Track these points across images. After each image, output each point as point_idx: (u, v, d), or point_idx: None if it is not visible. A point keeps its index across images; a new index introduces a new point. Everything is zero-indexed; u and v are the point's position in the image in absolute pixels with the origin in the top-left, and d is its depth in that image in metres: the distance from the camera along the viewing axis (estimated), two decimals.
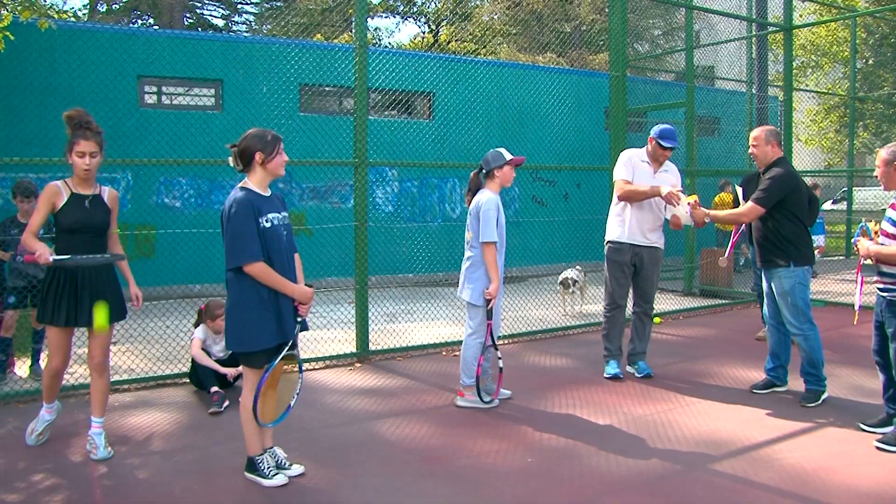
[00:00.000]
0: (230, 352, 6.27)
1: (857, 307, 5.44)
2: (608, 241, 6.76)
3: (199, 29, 24.55)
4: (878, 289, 4.96)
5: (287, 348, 4.25)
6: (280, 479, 4.31)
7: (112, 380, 6.28)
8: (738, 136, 15.65)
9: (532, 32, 24.32)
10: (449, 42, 29.30)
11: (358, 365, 7.23)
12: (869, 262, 4.88)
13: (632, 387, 6.40)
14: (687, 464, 4.61)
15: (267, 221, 4.16)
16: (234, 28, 27.25)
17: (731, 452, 4.80)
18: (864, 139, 23.75)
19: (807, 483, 4.28)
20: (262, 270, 4.10)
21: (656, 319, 9.27)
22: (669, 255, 13.51)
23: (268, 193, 4.29)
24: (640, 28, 23.34)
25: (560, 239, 13.45)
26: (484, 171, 5.86)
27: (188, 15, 24.01)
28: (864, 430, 5.14)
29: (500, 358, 5.88)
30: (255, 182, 4.25)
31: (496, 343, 5.88)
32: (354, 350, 7.39)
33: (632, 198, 6.51)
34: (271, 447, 4.49)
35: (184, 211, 11.42)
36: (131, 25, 22.40)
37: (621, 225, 6.65)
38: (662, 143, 6.49)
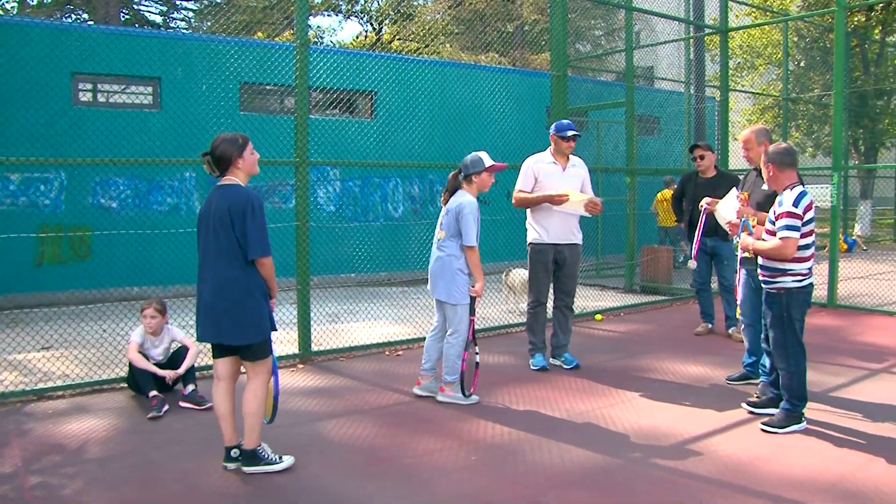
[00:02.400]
0: (169, 354, 6.19)
1: (738, 300, 5.84)
2: (530, 243, 6.96)
3: (136, 25, 24.04)
4: (761, 282, 5.25)
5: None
6: (289, 460, 4.49)
7: (45, 386, 6.18)
8: (677, 135, 15.94)
9: (475, 32, 24.41)
10: (391, 41, 29.24)
11: (301, 366, 7.16)
12: (747, 254, 5.25)
13: (574, 383, 6.46)
14: (628, 458, 4.68)
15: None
16: (173, 25, 26.75)
17: (671, 446, 4.89)
18: (796, 139, 24.38)
19: (742, 473, 4.39)
20: (272, 264, 4.41)
21: (597, 316, 9.40)
22: (611, 252, 13.79)
23: None
24: (582, 28, 23.59)
25: (503, 237, 13.50)
26: (462, 174, 5.92)
27: (124, 11, 23.47)
28: (749, 411, 5.50)
29: (477, 353, 6.00)
30: (242, 181, 4.44)
31: (475, 339, 6.01)
32: (297, 351, 7.32)
33: (524, 205, 6.89)
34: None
35: (121, 212, 11.16)
36: (64, 20, 21.82)
37: (541, 227, 6.85)
38: (562, 134, 6.77)
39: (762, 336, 5.47)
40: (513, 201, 6.95)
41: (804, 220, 4.92)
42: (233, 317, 4.29)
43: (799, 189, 4.99)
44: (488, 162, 5.89)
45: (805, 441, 4.94)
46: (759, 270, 5.23)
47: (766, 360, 5.85)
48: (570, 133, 6.76)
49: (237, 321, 4.30)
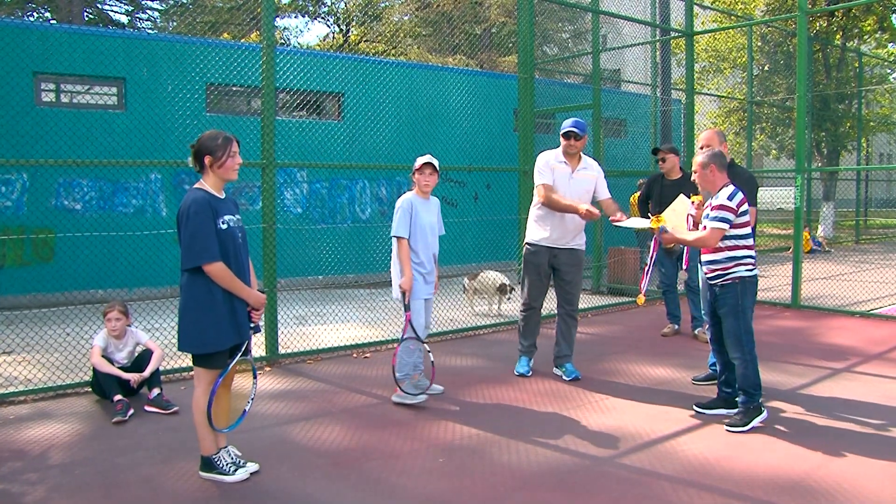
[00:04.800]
0: (134, 358, 6.12)
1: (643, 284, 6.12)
2: (526, 243, 6.78)
3: (101, 25, 23.72)
4: (708, 278, 5.45)
5: (241, 353, 4.33)
6: (242, 475, 4.36)
7: (7, 391, 6.08)
8: (644, 138, 16.07)
9: (442, 34, 24.43)
10: (359, 42, 29.15)
11: (268, 369, 7.12)
12: (671, 247, 5.41)
13: (541, 385, 6.49)
14: (595, 458, 4.71)
15: (223, 223, 4.20)
16: (139, 25, 26.45)
17: (638, 446, 4.93)
18: (760, 141, 24.74)
19: (709, 473, 4.44)
20: (221, 271, 4.13)
21: None
22: None
23: (222, 196, 4.33)
24: (549, 31, 23.73)
25: (471, 240, 13.53)
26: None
27: (88, 10, 23.16)
28: (698, 412, 5.59)
29: (429, 352, 5.95)
30: (210, 184, 4.31)
31: (420, 336, 5.93)
32: (264, 354, 7.27)
33: (552, 206, 6.47)
34: (225, 446, 4.49)
35: (85, 213, 11.00)
36: (26, 19, 21.49)
37: (542, 228, 6.61)
38: (563, 132, 6.47)
39: (710, 337, 5.67)
40: (541, 197, 6.52)
41: (738, 212, 5.19)
42: (180, 323, 4.24)
43: (732, 187, 5.29)
44: (418, 163, 5.96)
45: (768, 440, 5.01)
46: (708, 267, 5.39)
47: (713, 359, 5.92)
48: (565, 130, 6.45)
49: (181, 328, 4.22)
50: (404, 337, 5.84)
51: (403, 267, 5.82)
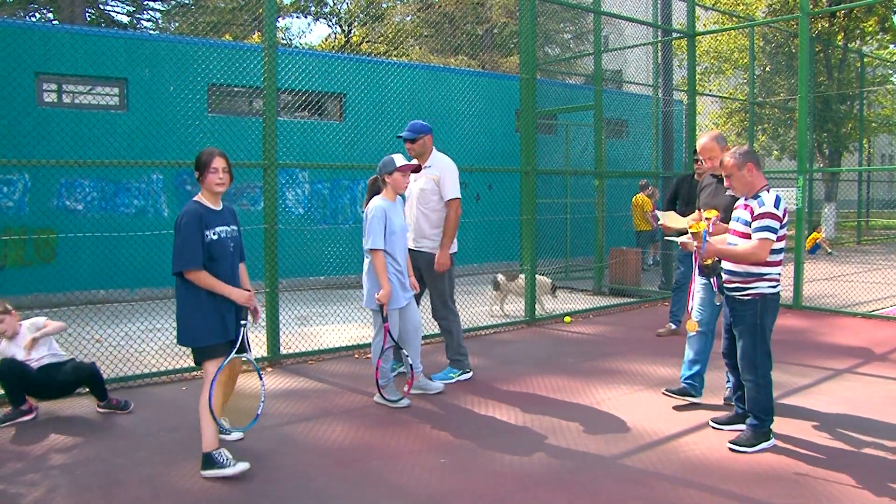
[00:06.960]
0: (55, 352, 5.89)
1: (690, 309, 5.48)
2: None
3: (102, 25, 23.73)
4: (728, 289, 4.96)
5: (236, 349, 4.57)
6: (243, 466, 4.46)
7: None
8: (645, 138, 16.07)
9: (444, 35, 24.43)
10: (361, 43, 29.19)
11: (269, 369, 7.12)
12: (709, 262, 4.88)
13: (543, 384, 6.48)
14: (597, 458, 4.70)
15: (214, 234, 4.53)
16: (140, 25, 26.46)
17: (640, 446, 4.92)
18: (762, 142, 24.73)
19: (711, 471, 4.44)
20: (200, 276, 4.45)
21: (566, 318, 9.44)
22: (580, 254, 13.87)
23: (218, 207, 4.65)
24: (551, 32, 23.70)
25: (472, 240, 13.52)
26: (379, 177, 5.87)
27: (90, 10, 23.16)
28: (714, 428, 5.24)
29: (407, 356, 5.89)
30: (205, 196, 4.62)
31: (399, 344, 5.89)
32: (265, 354, 7.27)
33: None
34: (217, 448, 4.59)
35: (86, 214, 11.01)
36: (28, 19, 21.51)
37: None
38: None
39: (723, 350, 5.25)
40: None
41: (782, 222, 4.71)
42: (177, 320, 4.59)
43: (776, 192, 4.78)
44: (399, 162, 5.73)
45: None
46: (726, 277, 4.92)
47: (688, 370, 5.84)
48: (401, 135, 6.51)
49: (177, 324, 4.58)
50: (385, 348, 5.76)
51: (381, 280, 5.63)
